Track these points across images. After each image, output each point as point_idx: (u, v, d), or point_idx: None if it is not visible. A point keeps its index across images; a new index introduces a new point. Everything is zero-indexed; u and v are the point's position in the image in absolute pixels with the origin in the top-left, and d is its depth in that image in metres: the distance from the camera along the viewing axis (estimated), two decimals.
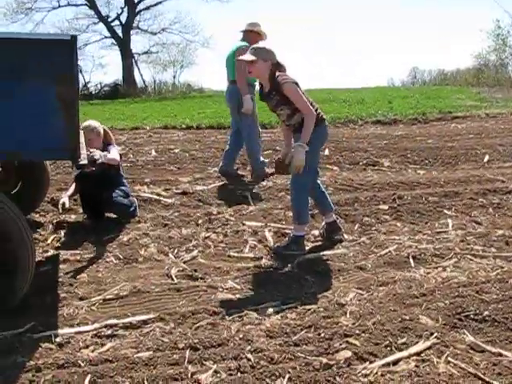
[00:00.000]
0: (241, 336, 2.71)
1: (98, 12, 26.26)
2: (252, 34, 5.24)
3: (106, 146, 4.31)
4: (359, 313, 3.00)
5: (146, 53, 28.64)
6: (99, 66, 28.87)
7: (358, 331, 2.78)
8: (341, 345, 2.51)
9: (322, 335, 2.74)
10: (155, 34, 27.86)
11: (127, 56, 26.50)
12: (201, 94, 23.24)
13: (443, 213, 4.92)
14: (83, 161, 3.09)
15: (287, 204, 4.65)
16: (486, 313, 2.95)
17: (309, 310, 3.01)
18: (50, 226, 4.39)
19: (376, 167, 6.52)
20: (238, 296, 3.19)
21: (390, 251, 4.00)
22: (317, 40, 51.85)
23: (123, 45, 26.62)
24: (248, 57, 3.53)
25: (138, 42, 39.05)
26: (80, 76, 25.23)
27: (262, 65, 3.53)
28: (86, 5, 25.99)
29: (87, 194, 4.34)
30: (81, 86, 24.94)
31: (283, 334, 2.77)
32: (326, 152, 7.20)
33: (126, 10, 26.24)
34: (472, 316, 2.93)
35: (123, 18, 26.59)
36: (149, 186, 5.67)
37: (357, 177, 6.20)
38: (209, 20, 47.76)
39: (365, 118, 10.19)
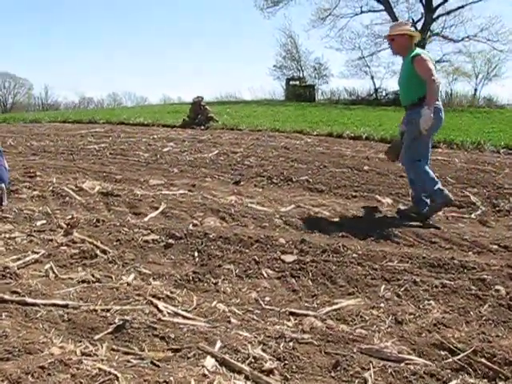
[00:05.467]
0: None
1: (394, 18, 27.71)
2: None
3: None
4: None
5: (438, 62, 28.65)
6: (392, 72, 30.14)
7: None
8: None
9: None
10: (458, 41, 28.52)
11: None
12: (500, 110, 21.60)
13: (368, 290, 3.30)
14: None
15: None
16: None
17: None
18: None
19: None
20: None
21: None
22: None
23: None
24: None
25: (431, 50, 39.53)
26: (371, 82, 27.94)
27: None
28: (384, 10, 28.60)
29: None
30: (371, 91, 27.76)
31: None
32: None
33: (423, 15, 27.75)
34: None
35: (419, 25, 27.47)
36: (102, 182, 5.82)
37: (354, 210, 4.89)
38: None
39: None
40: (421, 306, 3.11)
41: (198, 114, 12.92)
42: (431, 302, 3.16)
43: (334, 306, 3.10)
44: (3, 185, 5.06)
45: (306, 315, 3.00)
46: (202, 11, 76.68)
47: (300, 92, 29.18)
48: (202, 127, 12.04)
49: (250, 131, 10.60)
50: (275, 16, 31.27)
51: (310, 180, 5.99)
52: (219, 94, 32.47)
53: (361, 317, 2.97)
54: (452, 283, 3.36)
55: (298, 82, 31.67)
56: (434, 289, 3.31)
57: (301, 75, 33.99)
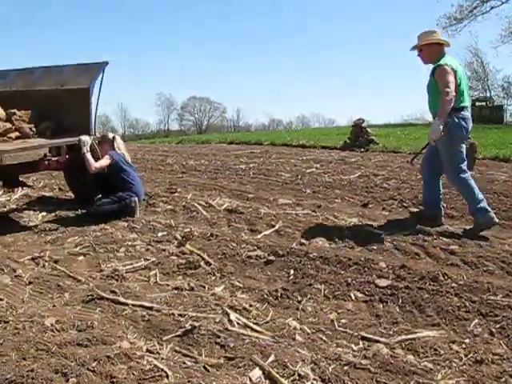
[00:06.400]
0: None
1: None
2: None
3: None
4: None
5: None
6: None
7: None
8: None
9: None
10: None
11: None
12: None
13: (456, 323, 3.23)
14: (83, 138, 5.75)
15: None
16: None
17: None
18: None
19: None
20: None
21: None
22: None
23: None
24: None
25: None
26: None
27: None
28: None
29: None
30: None
31: None
32: None
33: None
34: None
35: None
36: (233, 200, 6.35)
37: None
38: None
39: None
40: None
41: (358, 137, 13.10)
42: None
43: (411, 336, 3.02)
44: (136, 198, 5.79)
45: (377, 341, 2.98)
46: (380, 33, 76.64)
47: (486, 113, 27.41)
48: (362, 149, 12.13)
49: (408, 154, 10.34)
50: (460, 34, 29.61)
51: (444, 205, 5.73)
52: (403, 116, 31.88)
53: (435, 350, 2.85)
54: None
55: (484, 103, 29.78)
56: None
57: (487, 95, 32.01)
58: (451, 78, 4.62)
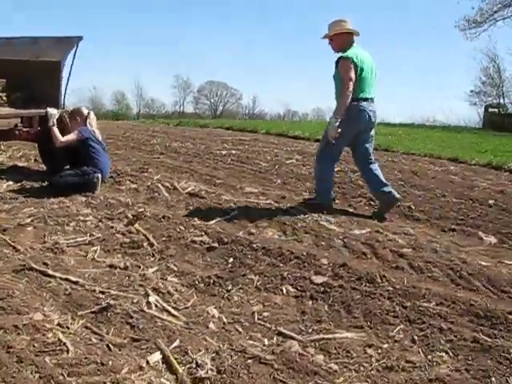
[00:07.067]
0: None
1: None
2: None
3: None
4: None
5: None
6: None
7: None
8: None
9: None
10: None
11: None
12: None
13: (380, 327, 3.14)
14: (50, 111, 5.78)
15: None
16: None
17: None
18: None
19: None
20: None
21: None
22: None
23: None
24: None
25: None
26: None
27: None
28: None
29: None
30: None
31: None
32: None
33: None
34: None
35: None
36: (200, 184, 6.33)
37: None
38: None
39: None
40: (430, 357, 2.78)
41: None
42: (445, 354, 2.80)
43: (329, 336, 2.97)
44: (100, 175, 5.79)
45: (292, 338, 2.94)
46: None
47: (497, 120, 27.00)
48: None
49: (402, 153, 10.21)
50: (478, 38, 28.93)
51: (413, 207, 5.67)
52: (412, 118, 31.22)
53: (348, 352, 2.81)
54: (489, 340, 2.92)
55: (496, 110, 29.37)
56: (460, 341, 2.91)
57: (500, 102, 31.67)
58: (351, 74, 4.75)
